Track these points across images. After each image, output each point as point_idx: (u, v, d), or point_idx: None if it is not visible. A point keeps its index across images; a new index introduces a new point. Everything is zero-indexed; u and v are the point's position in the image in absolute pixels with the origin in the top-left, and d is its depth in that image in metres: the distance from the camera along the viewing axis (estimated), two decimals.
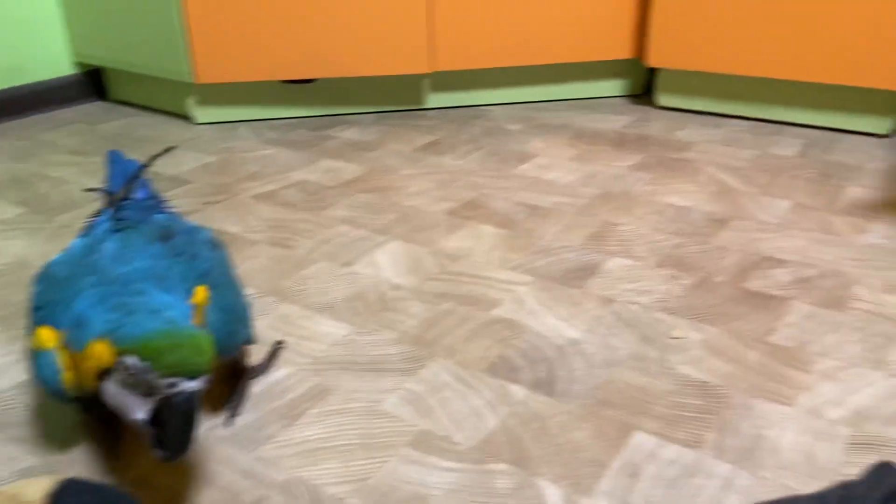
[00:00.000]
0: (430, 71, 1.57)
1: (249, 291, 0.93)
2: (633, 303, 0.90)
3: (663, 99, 1.63)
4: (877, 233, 1.05)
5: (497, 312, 0.88)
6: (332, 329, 0.85)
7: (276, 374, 0.77)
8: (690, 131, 1.50)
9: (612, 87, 1.75)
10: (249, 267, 0.99)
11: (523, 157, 1.38)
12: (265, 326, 0.86)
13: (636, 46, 1.64)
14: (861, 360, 0.78)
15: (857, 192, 1.19)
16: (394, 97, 1.67)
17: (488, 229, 1.10)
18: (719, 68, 1.51)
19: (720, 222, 1.10)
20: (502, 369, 0.78)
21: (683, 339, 0.82)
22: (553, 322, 0.86)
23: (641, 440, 0.67)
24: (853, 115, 1.45)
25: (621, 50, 1.65)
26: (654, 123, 1.55)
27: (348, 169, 1.33)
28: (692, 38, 1.51)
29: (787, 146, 1.40)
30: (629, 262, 0.99)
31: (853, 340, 0.81)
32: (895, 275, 0.94)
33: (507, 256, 1.01)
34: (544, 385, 0.75)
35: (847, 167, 1.29)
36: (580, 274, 0.97)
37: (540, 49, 1.62)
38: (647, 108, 1.65)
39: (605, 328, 0.85)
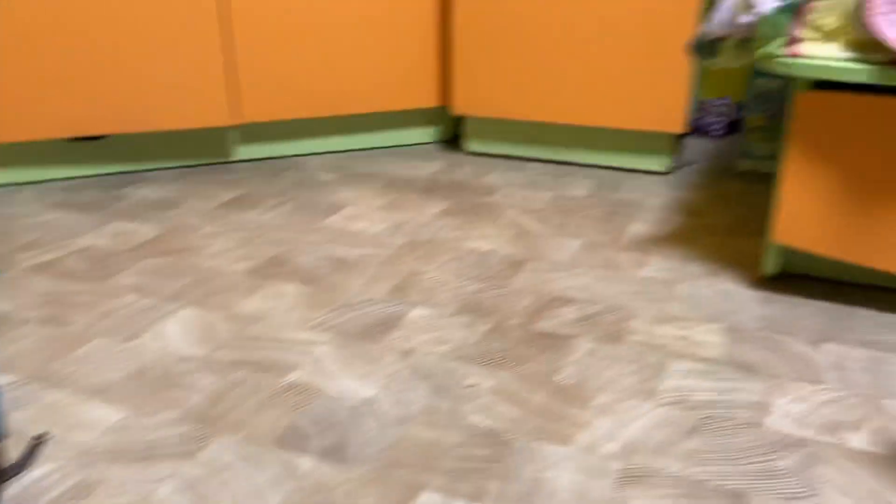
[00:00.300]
0: (234, 123, 1.53)
1: (9, 379, 0.84)
2: (431, 353, 0.91)
3: (472, 145, 1.70)
4: (653, 266, 1.14)
5: (291, 377, 0.86)
6: (104, 414, 0.78)
7: (35, 472, 0.70)
8: (496, 176, 1.56)
9: (425, 134, 1.79)
10: (14, 351, 0.90)
11: (333, 209, 1.37)
12: (26, 419, 0.77)
13: (442, 95, 1.70)
14: (634, 392, 0.83)
15: (638, 227, 1.29)
16: (197, 151, 1.61)
17: (290, 287, 1.07)
18: (517, 115, 1.59)
19: (517, 265, 1.15)
20: (291, 440, 0.75)
21: (475, 387, 0.84)
22: (348, 382, 0.85)
23: (426, 499, 0.67)
24: (637, 156, 1.59)
25: (429, 99, 1.70)
26: (463, 169, 1.60)
27: (141, 231, 1.25)
28: (491, 86, 1.59)
29: (581, 187, 1.50)
30: (430, 311, 1.01)
31: (628, 373, 0.87)
32: (667, 306, 1.02)
33: (308, 315, 0.99)
34: (334, 452, 0.73)
35: (631, 204, 1.40)
36: (381, 328, 0.96)
37: (349, 98, 1.63)
38: (457, 154, 1.71)
39: (401, 383, 0.85)
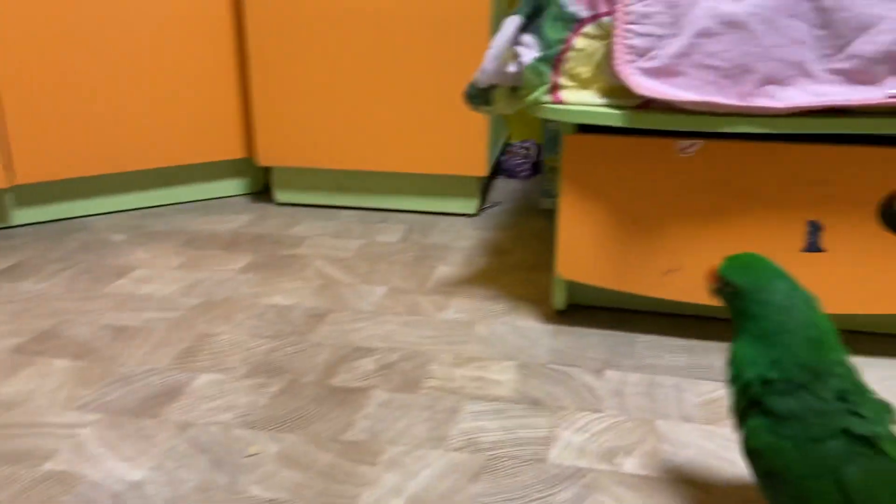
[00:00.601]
0: (6, 185, 1.39)
1: None
2: (213, 423, 0.84)
3: (281, 195, 1.66)
4: (455, 307, 1.16)
5: (49, 466, 0.76)
6: None
7: None
8: (305, 226, 1.53)
9: (232, 186, 1.73)
10: None
11: (121, 272, 1.27)
12: None
13: (247, 146, 1.66)
14: (425, 441, 0.82)
15: (444, 270, 1.31)
16: None
17: (60, 363, 0.97)
18: (322, 164, 1.58)
19: (319, 317, 1.12)
20: None
21: (258, 456, 0.79)
22: (114, 466, 0.77)
23: None
24: (447, 199, 1.63)
25: (233, 150, 1.64)
26: (271, 221, 1.56)
27: None
28: (294, 136, 1.57)
29: (391, 233, 1.50)
30: (218, 376, 0.95)
31: (420, 421, 0.86)
32: (465, 347, 1.03)
33: (76, 394, 0.90)
34: None
35: (440, 247, 1.42)
36: (160, 400, 0.89)
37: (141, 153, 1.54)
38: (266, 206, 1.66)
39: (176, 460, 0.78)
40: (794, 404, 0.58)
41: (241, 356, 1.00)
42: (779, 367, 0.59)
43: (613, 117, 0.94)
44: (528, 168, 1.91)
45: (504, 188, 1.83)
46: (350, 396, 0.91)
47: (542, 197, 1.67)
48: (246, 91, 1.61)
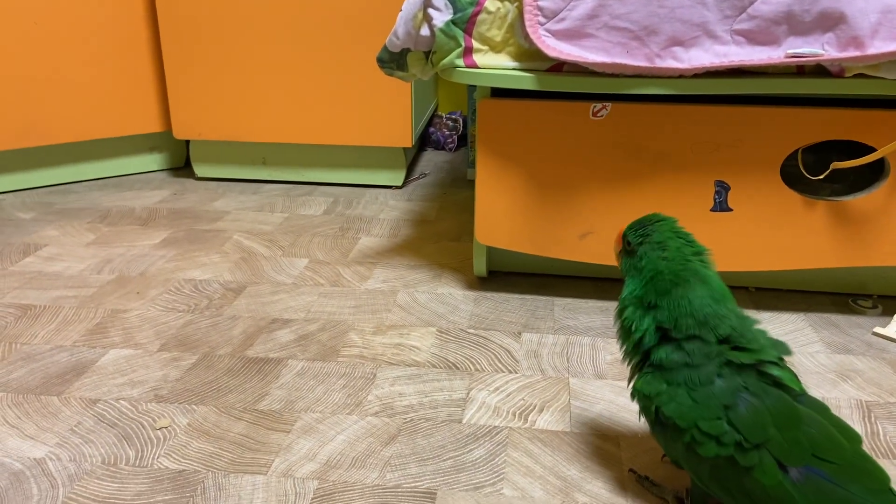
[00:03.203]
0: None
1: None
2: (123, 398, 0.82)
3: (201, 170, 1.61)
4: (376, 278, 1.15)
5: None
6: None
7: None
8: (227, 201, 1.49)
9: (151, 161, 1.67)
10: None
11: (27, 250, 1.21)
12: None
13: (164, 119, 1.60)
14: (341, 407, 0.82)
15: (368, 241, 1.30)
16: None
17: None
18: (243, 137, 1.54)
19: (237, 291, 1.09)
20: None
21: (168, 429, 0.77)
22: (15, 444, 0.74)
23: None
24: (373, 172, 1.61)
25: (150, 124, 1.59)
26: (191, 196, 1.51)
27: None
28: (211, 109, 1.52)
29: (316, 206, 1.48)
30: (129, 352, 0.92)
31: (337, 388, 0.85)
32: (386, 316, 1.03)
33: None
34: None
35: (364, 219, 1.41)
36: (66, 378, 0.86)
37: (53, 127, 1.47)
38: (187, 181, 1.61)
39: (81, 436, 0.75)
40: (681, 355, 0.59)
41: (153, 331, 0.97)
42: (670, 320, 0.60)
43: (525, 80, 0.94)
44: (456, 140, 1.91)
45: (432, 160, 1.82)
46: (266, 367, 0.89)
47: (469, 168, 1.68)
48: (161, 62, 1.56)
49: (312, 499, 0.67)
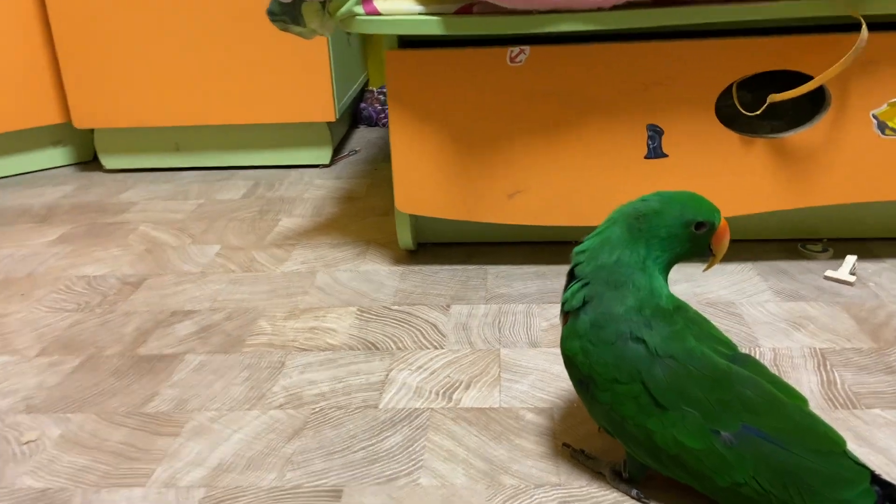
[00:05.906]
0: None
1: None
2: None
3: (109, 161, 1.49)
4: (294, 260, 1.05)
5: None
6: None
7: None
8: (136, 192, 1.37)
9: (54, 156, 1.54)
10: None
11: None
12: None
13: (65, 109, 1.47)
14: (240, 403, 0.72)
15: (288, 223, 1.19)
16: None
17: None
18: (151, 122, 1.42)
19: (135, 284, 0.98)
20: None
21: (36, 442, 0.67)
22: None
23: None
24: (297, 150, 1.50)
25: (50, 115, 1.45)
26: (97, 190, 1.39)
27: None
28: (113, 93, 1.40)
29: (234, 190, 1.37)
30: (4, 359, 0.81)
31: (238, 382, 0.75)
32: (302, 299, 0.93)
33: None
34: None
35: (287, 200, 1.30)
36: None
37: None
38: (94, 175, 1.48)
39: None
40: (595, 312, 0.52)
41: (34, 335, 0.86)
42: (591, 275, 0.54)
43: (431, 24, 0.84)
44: (388, 114, 1.81)
45: (364, 136, 1.72)
46: (159, 365, 0.79)
47: None
48: (53, 47, 1.42)
49: None
